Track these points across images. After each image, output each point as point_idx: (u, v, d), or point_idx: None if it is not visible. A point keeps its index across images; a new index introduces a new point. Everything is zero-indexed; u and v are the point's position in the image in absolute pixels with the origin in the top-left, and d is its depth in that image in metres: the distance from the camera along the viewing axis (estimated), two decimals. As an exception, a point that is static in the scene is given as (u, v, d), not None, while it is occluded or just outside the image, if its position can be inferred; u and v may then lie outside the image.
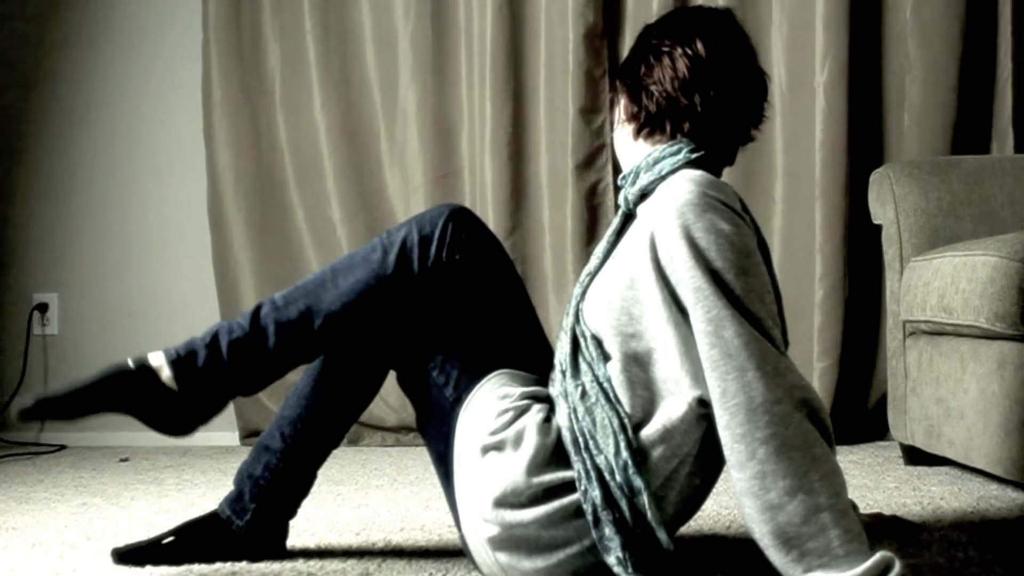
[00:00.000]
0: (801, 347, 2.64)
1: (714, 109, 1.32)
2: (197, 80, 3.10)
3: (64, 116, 3.28)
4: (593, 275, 1.32)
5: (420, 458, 2.50)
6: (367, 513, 1.89)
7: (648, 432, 1.21)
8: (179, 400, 1.40)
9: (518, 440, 1.27)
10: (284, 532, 1.54)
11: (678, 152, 1.30)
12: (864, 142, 2.72)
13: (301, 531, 1.69)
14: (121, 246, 3.25)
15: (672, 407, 1.21)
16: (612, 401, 1.22)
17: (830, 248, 2.67)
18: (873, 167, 2.41)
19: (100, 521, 1.88)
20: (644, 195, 1.31)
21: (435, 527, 1.72)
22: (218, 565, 1.47)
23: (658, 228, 1.20)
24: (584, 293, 1.31)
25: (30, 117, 3.29)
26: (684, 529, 1.54)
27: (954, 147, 2.66)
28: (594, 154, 2.83)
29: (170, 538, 1.50)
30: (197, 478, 2.42)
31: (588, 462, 1.22)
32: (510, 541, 1.26)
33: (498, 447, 1.27)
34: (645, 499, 1.20)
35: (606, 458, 1.21)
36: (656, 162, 1.31)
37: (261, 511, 1.49)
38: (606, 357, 1.26)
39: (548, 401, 1.33)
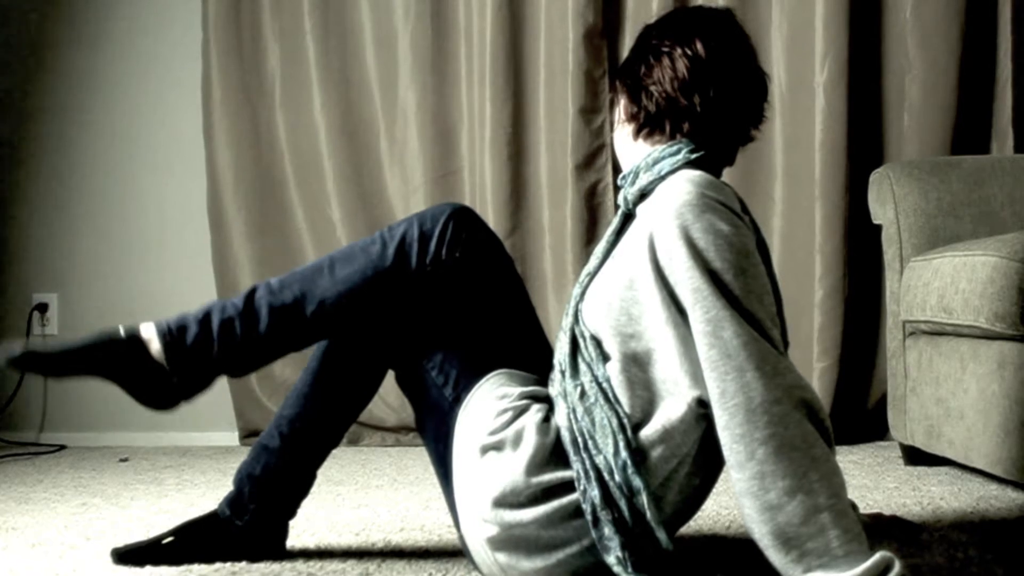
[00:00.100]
0: (801, 347, 2.64)
1: (714, 109, 1.32)
2: (197, 80, 3.10)
3: (64, 116, 3.28)
4: (592, 275, 1.32)
5: (420, 458, 2.50)
6: (367, 513, 1.89)
7: (647, 432, 1.21)
8: (165, 375, 1.40)
9: (517, 440, 1.27)
10: (284, 532, 1.54)
11: (677, 152, 1.30)
12: (864, 142, 2.72)
13: (301, 531, 1.69)
14: (121, 246, 3.25)
15: (671, 407, 1.21)
16: (611, 401, 1.22)
17: (830, 248, 2.67)
18: (873, 167, 2.41)
19: (100, 521, 1.88)
20: (643, 195, 1.31)
21: (435, 527, 1.72)
22: (218, 565, 1.47)
23: (657, 229, 1.20)
24: (583, 293, 1.31)
25: (30, 117, 3.29)
26: (684, 529, 1.54)
27: (954, 147, 2.66)
28: (594, 154, 2.83)
29: (170, 538, 1.50)
30: (197, 478, 2.42)
31: (587, 462, 1.22)
32: (509, 541, 1.26)
33: (497, 447, 1.27)
34: (644, 499, 1.20)
35: (605, 458, 1.21)
36: (655, 162, 1.31)
37: (261, 511, 1.49)
38: (605, 357, 1.26)
39: (547, 401, 1.33)
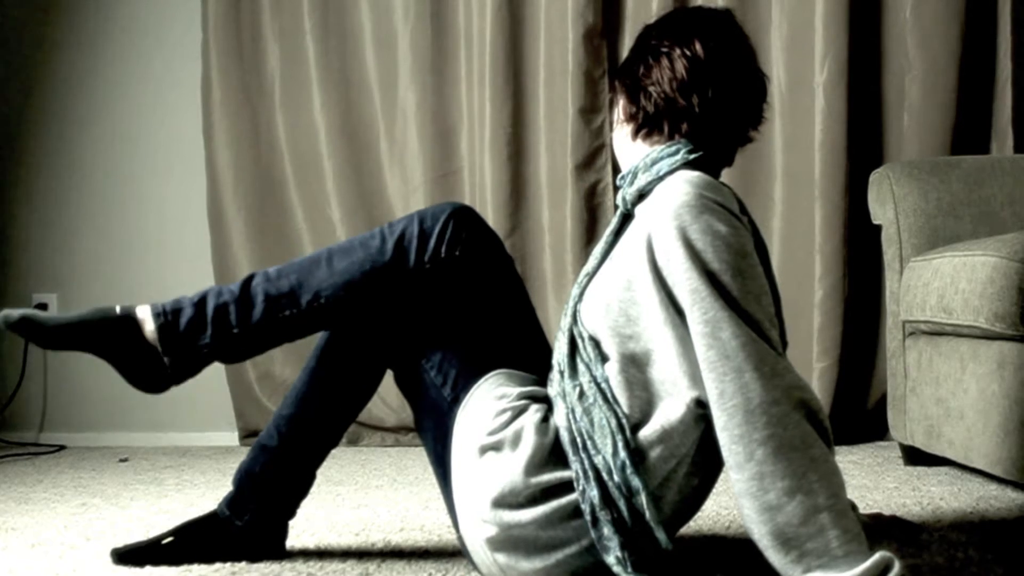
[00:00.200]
0: (801, 347, 2.64)
1: (712, 110, 1.32)
2: (197, 80, 3.10)
3: (64, 116, 3.28)
4: (591, 276, 1.32)
5: (419, 458, 2.50)
6: (366, 513, 1.89)
7: (646, 433, 1.21)
8: (157, 357, 1.40)
9: (516, 440, 1.27)
10: (283, 532, 1.54)
11: (676, 153, 1.30)
12: (864, 142, 2.72)
13: (300, 531, 1.69)
14: (121, 246, 3.25)
15: (670, 408, 1.21)
16: (610, 402, 1.22)
17: (830, 248, 2.67)
18: (873, 167, 2.40)
19: (99, 521, 1.88)
20: (642, 196, 1.31)
21: (434, 527, 1.72)
22: (217, 565, 1.47)
23: (655, 230, 1.20)
24: (582, 294, 1.31)
25: (30, 117, 3.29)
26: (684, 529, 1.54)
27: (954, 147, 2.66)
28: (593, 154, 2.83)
29: (169, 538, 1.50)
30: (196, 478, 2.42)
31: (586, 462, 1.22)
32: (508, 541, 1.26)
33: (496, 447, 1.27)
34: (643, 499, 1.20)
35: (604, 458, 1.21)
36: (654, 163, 1.30)
37: (260, 511, 1.49)
38: (604, 358, 1.26)
39: (546, 401, 1.33)
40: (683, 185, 1.20)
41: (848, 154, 2.67)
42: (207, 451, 2.96)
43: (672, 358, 1.20)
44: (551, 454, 1.26)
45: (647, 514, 1.20)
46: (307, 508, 1.60)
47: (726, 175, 1.61)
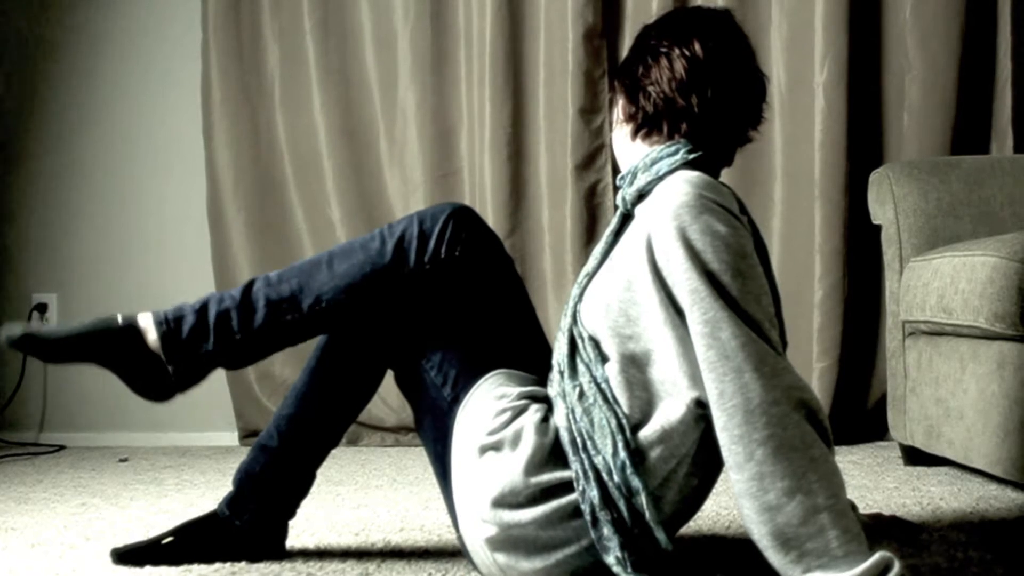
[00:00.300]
0: (801, 347, 2.64)
1: (711, 110, 1.32)
2: (196, 80, 3.10)
3: (64, 116, 3.28)
4: (591, 276, 1.32)
5: (419, 458, 2.50)
6: (366, 513, 1.89)
7: (646, 433, 1.21)
8: (161, 365, 1.40)
9: (516, 440, 1.27)
10: (283, 532, 1.54)
11: (675, 153, 1.30)
12: (864, 142, 2.72)
13: (300, 531, 1.69)
14: (121, 246, 3.25)
15: (670, 408, 1.21)
16: (610, 402, 1.22)
17: (830, 248, 2.67)
18: (873, 167, 2.40)
19: (99, 521, 1.88)
20: (642, 196, 1.31)
21: (434, 527, 1.72)
22: (217, 565, 1.47)
23: (654, 230, 1.20)
24: (582, 294, 1.31)
25: (30, 117, 3.29)
26: (684, 529, 1.54)
27: (954, 147, 2.66)
28: (593, 154, 2.83)
29: (169, 538, 1.50)
30: (196, 478, 2.42)
31: (586, 462, 1.22)
32: (508, 541, 1.26)
33: (496, 447, 1.27)
34: (643, 499, 1.20)
35: (604, 458, 1.21)
36: (654, 163, 1.30)
37: (260, 511, 1.49)
38: (604, 358, 1.26)
39: (546, 401, 1.33)
40: (682, 185, 1.20)
41: (848, 154, 2.67)
42: (207, 451, 2.96)
43: (672, 358, 1.20)
44: (551, 454, 1.26)
45: (647, 514, 1.20)
46: (307, 508, 1.60)
47: (726, 175, 1.61)
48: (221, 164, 3.07)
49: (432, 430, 1.39)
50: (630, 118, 1.37)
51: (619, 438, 1.20)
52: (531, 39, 2.90)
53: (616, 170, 2.59)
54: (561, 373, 1.29)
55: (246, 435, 3.05)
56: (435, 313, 1.41)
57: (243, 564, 1.48)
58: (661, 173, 1.28)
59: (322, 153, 3.03)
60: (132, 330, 1.40)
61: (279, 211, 3.08)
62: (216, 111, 3.07)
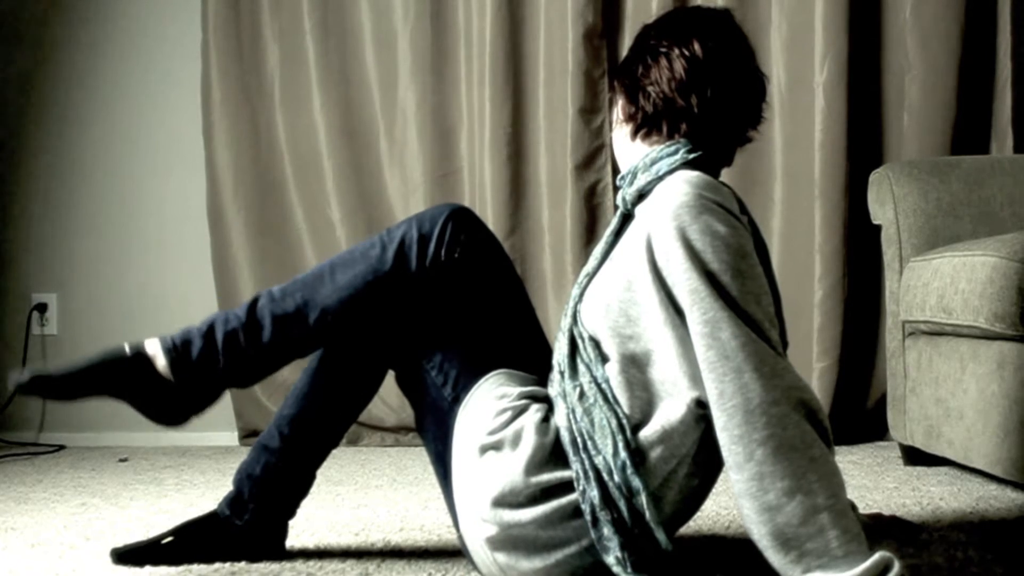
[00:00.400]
0: (801, 347, 2.64)
1: (711, 110, 1.32)
2: (196, 80, 3.10)
3: (64, 116, 3.28)
4: (591, 276, 1.32)
5: (419, 458, 2.50)
6: (366, 513, 1.89)
7: (646, 433, 1.21)
8: (174, 390, 1.40)
9: (516, 440, 1.27)
10: (283, 532, 1.54)
11: (675, 153, 1.30)
12: (864, 142, 2.72)
13: (300, 531, 1.69)
14: (120, 246, 3.25)
15: (670, 408, 1.21)
16: (610, 402, 1.22)
17: (830, 248, 2.67)
18: (873, 167, 2.40)
19: (99, 521, 1.88)
20: (642, 196, 1.31)
21: (434, 527, 1.72)
22: (217, 565, 1.47)
23: (654, 230, 1.20)
24: (582, 294, 1.31)
25: (30, 117, 3.29)
26: (684, 529, 1.54)
27: (954, 147, 2.66)
28: (593, 154, 2.83)
29: (169, 538, 1.50)
30: (196, 478, 2.42)
31: (587, 462, 1.22)
32: (508, 541, 1.26)
33: (496, 447, 1.27)
34: (643, 499, 1.20)
35: (604, 458, 1.21)
36: (653, 163, 1.30)
37: (260, 511, 1.49)
38: (604, 358, 1.26)
39: (546, 401, 1.33)
40: (682, 185, 1.20)
41: (848, 154, 2.67)
42: (207, 451, 2.96)
43: (672, 358, 1.20)
44: (551, 454, 1.26)
45: (647, 514, 1.20)
46: (307, 508, 1.60)
47: (726, 175, 1.61)
48: (221, 164, 3.07)
49: (433, 430, 1.39)
50: (630, 118, 1.37)
51: (619, 438, 1.20)
52: (531, 39, 2.90)
53: (616, 170, 2.59)
54: (561, 373, 1.29)
55: (246, 435, 3.05)
56: (436, 314, 1.41)
57: (243, 564, 1.48)
58: (661, 173, 1.28)
59: (322, 153, 3.03)
60: (141, 358, 1.40)
61: (279, 211, 3.08)
62: (216, 111, 3.07)
